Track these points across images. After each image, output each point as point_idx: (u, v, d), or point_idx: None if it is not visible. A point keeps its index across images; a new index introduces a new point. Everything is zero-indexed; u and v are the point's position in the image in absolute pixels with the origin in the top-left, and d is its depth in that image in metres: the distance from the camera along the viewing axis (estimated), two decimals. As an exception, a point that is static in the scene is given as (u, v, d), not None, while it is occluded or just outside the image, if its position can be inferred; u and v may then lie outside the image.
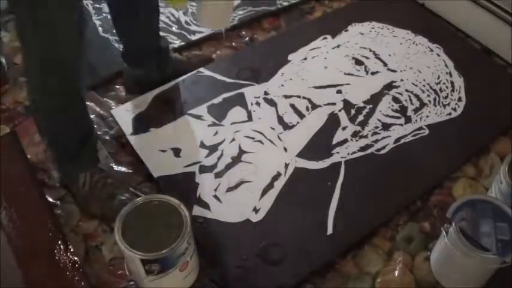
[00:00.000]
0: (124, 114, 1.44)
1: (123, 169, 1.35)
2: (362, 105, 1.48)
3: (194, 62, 1.60)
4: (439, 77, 1.57)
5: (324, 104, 1.48)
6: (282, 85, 1.53)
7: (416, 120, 1.45)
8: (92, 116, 1.46)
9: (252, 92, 1.50)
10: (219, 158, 1.34)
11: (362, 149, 1.38)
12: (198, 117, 1.44)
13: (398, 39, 1.69)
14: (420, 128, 1.43)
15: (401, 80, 1.55)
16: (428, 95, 1.51)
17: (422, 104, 1.49)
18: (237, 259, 1.16)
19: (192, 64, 1.59)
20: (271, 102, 1.48)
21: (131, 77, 1.52)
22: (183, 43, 1.70)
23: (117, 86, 1.57)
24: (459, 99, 1.51)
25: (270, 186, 1.29)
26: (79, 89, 1.15)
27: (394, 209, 1.27)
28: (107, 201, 1.23)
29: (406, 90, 1.52)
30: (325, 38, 1.70)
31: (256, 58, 1.63)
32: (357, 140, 1.39)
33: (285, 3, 1.86)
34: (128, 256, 1.01)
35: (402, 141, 1.40)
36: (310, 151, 1.37)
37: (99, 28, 1.75)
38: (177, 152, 1.35)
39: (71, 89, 1.13)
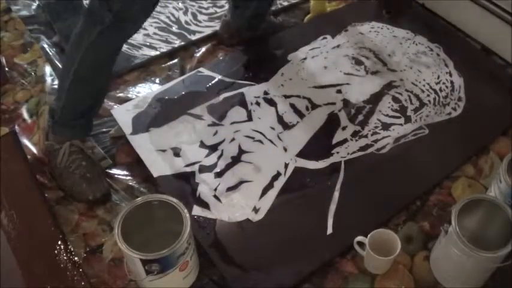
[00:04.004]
0: (124, 114, 1.44)
1: (124, 172, 1.35)
2: (362, 105, 1.48)
3: (285, 25, 1.78)
4: (438, 77, 1.57)
5: (324, 104, 1.48)
6: (282, 85, 1.53)
7: (416, 120, 1.45)
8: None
9: (252, 92, 1.51)
10: (218, 158, 1.34)
11: (362, 148, 1.38)
12: (198, 117, 1.44)
13: (398, 39, 1.70)
14: (420, 128, 1.43)
15: (401, 80, 1.55)
16: (428, 95, 1.51)
17: (422, 104, 1.49)
18: (237, 259, 1.16)
19: (283, 26, 1.76)
20: (271, 102, 1.48)
21: (227, 30, 1.68)
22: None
23: (118, 86, 1.57)
24: (459, 99, 1.51)
25: (270, 186, 1.29)
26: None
27: (394, 208, 1.27)
28: (78, 183, 1.27)
29: (406, 90, 1.52)
30: (325, 38, 1.70)
31: (256, 58, 1.63)
32: (356, 140, 1.39)
33: (285, 3, 1.86)
34: (128, 256, 1.01)
35: (402, 140, 1.40)
36: (310, 151, 1.37)
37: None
38: (176, 151, 1.35)
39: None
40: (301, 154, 1.36)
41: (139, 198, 1.06)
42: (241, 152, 1.35)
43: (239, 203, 1.25)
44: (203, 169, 1.31)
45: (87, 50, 1.18)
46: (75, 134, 1.32)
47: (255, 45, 1.68)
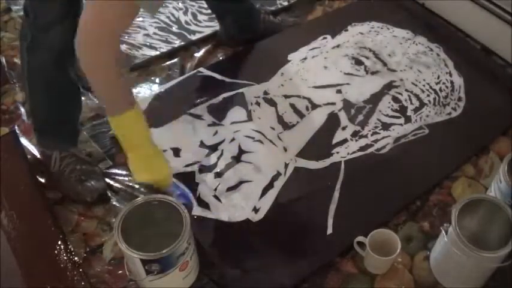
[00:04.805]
0: (124, 114, 1.44)
1: (123, 172, 1.35)
2: (362, 105, 1.48)
3: (285, 25, 1.77)
4: (438, 77, 1.57)
5: (324, 104, 1.48)
6: (282, 85, 1.53)
7: (416, 120, 1.45)
8: (91, 116, 1.47)
9: (252, 92, 1.50)
10: (218, 158, 1.34)
11: (362, 148, 1.38)
12: (198, 116, 1.44)
13: (398, 39, 1.70)
14: (420, 128, 1.43)
15: (401, 80, 1.55)
16: (428, 95, 1.51)
17: (422, 104, 1.49)
18: (236, 259, 1.16)
19: (283, 26, 1.74)
20: (271, 102, 1.48)
21: (224, 35, 1.69)
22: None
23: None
24: (459, 99, 1.51)
25: (269, 186, 1.29)
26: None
27: (394, 208, 1.27)
28: (74, 186, 1.27)
29: (406, 90, 1.52)
30: (325, 37, 1.70)
31: (256, 58, 1.63)
32: (356, 140, 1.39)
33: (285, 3, 1.86)
34: (128, 256, 1.01)
35: (402, 140, 1.40)
36: (310, 151, 1.37)
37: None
38: (176, 151, 1.35)
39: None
40: (301, 154, 1.36)
41: (139, 198, 1.06)
42: (241, 152, 1.35)
43: (239, 203, 1.25)
44: (203, 169, 1.31)
45: (29, 70, 1.18)
46: (59, 146, 1.30)
47: (255, 45, 1.69)
